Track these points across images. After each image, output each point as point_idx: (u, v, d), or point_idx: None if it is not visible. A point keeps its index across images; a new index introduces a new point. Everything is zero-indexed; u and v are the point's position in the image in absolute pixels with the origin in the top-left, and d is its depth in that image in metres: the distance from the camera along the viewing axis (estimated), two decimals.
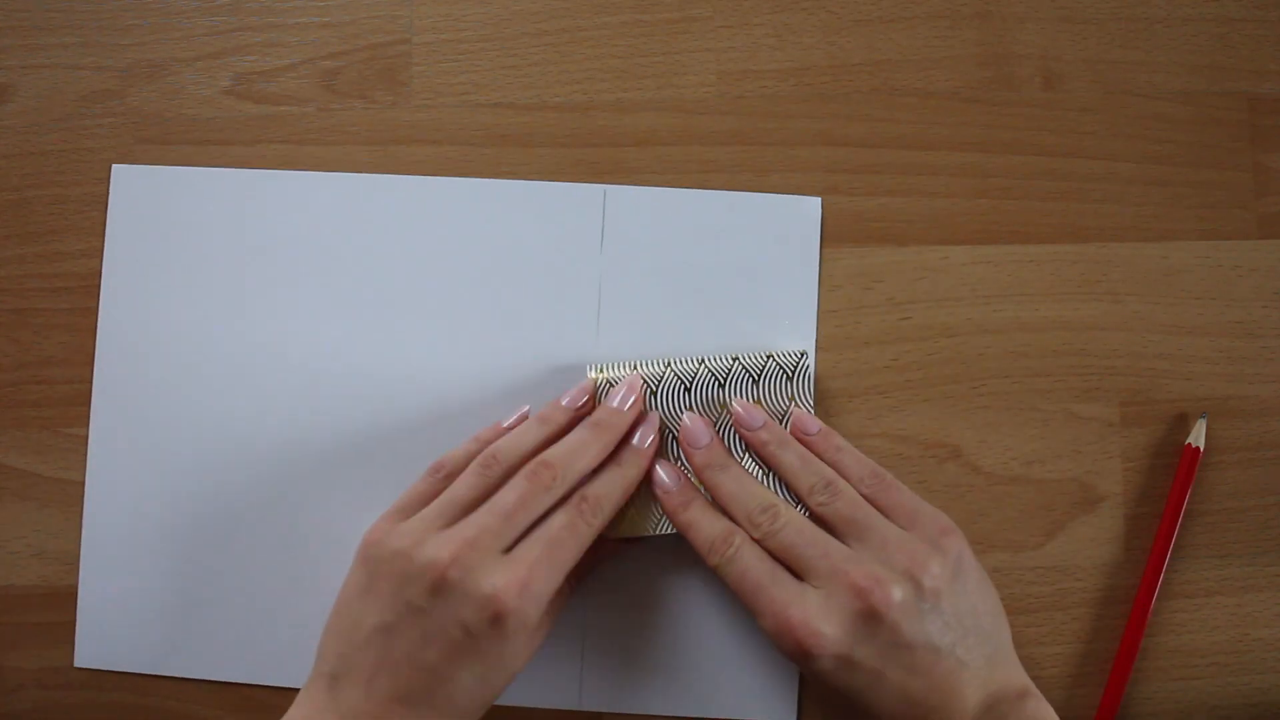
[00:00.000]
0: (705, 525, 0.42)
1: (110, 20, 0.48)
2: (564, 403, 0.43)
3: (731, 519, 0.42)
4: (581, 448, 0.41)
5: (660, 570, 0.46)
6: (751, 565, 0.41)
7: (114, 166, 0.47)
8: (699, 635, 0.45)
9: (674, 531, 0.44)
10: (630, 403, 0.43)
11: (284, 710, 0.38)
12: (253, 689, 0.46)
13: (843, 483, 0.42)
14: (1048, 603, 0.46)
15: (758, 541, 0.41)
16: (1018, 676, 0.40)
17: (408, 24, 0.48)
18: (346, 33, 0.48)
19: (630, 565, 0.46)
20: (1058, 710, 0.46)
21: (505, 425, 0.44)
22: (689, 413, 0.44)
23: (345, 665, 0.38)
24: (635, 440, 0.43)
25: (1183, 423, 0.47)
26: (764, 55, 0.48)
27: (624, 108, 0.47)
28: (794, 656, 0.39)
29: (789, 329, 0.46)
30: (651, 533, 0.44)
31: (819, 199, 0.47)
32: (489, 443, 0.42)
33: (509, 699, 0.45)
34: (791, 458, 0.43)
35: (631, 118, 0.47)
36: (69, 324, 0.47)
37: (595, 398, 0.44)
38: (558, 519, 0.40)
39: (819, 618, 0.39)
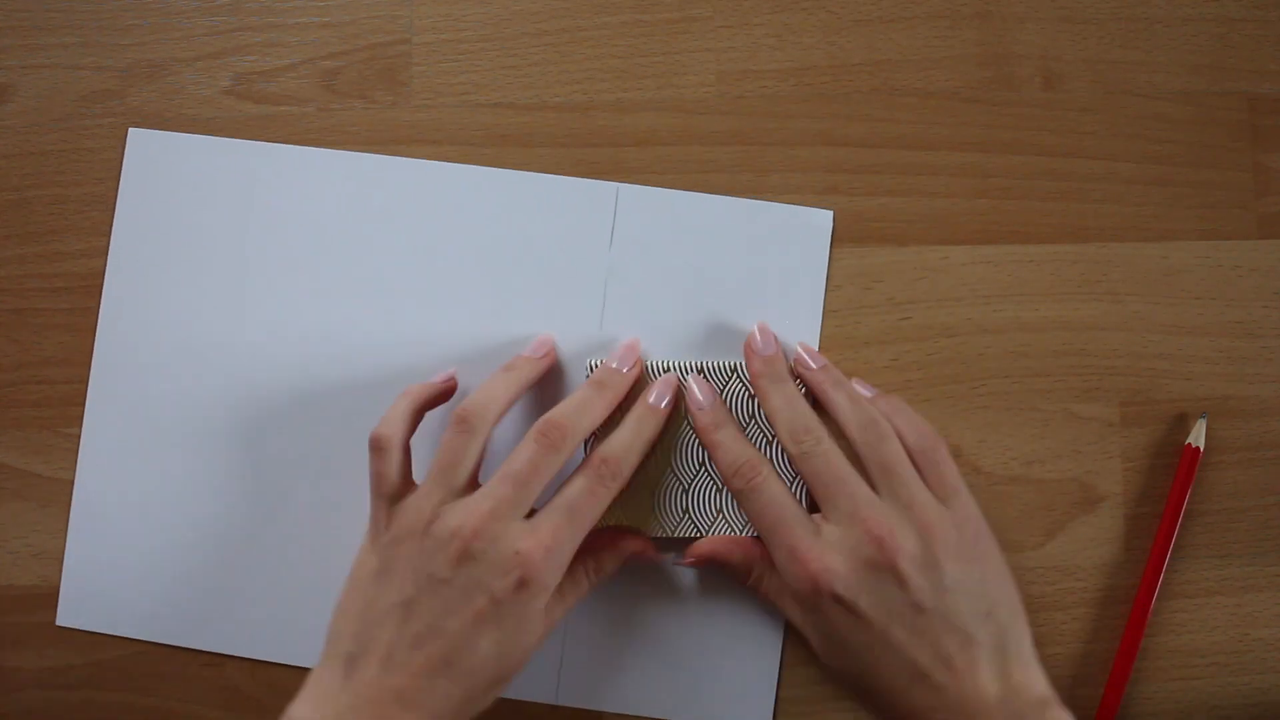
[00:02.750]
0: (734, 448, 0.42)
1: (110, 20, 0.48)
2: (526, 352, 0.44)
3: (774, 431, 0.43)
4: (586, 405, 0.42)
5: (643, 571, 0.46)
6: (776, 497, 0.41)
7: (130, 130, 0.47)
8: (679, 637, 0.45)
9: (694, 535, 0.44)
10: (630, 364, 0.44)
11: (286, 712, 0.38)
12: (253, 689, 0.46)
13: (893, 434, 0.41)
14: (1048, 603, 0.46)
15: (792, 459, 0.41)
16: (1038, 682, 0.39)
17: (408, 24, 0.48)
18: (346, 33, 0.48)
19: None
20: None
21: (437, 381, 0.44)
22: (761, 322, 0.45)
23: (360, 644, 0.38)
24: (652, 400, 0.43)
25: (1183, 423, 0.47)
26: (764, 55, 0.48)
27: (624, 108, 0.47)
28: (804, 590, 0.39)
29: (792, 339, 0.46)
30: (670, 534, 0.44)
31: (831, 212, 0.47)
32: (418, 397, 0.42)
33: None
34: (843, 398, 0.43)
35: (631, 118, 0.47)
36: (69, 324, 0.47)
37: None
38: (577, 484, 0.40)
39: (832, 553, 0.39)
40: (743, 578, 0.44)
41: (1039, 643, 0.46)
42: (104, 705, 0.46)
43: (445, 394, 0.44)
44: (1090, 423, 0.47)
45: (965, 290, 0.47)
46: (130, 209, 0.47)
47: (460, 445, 0.40)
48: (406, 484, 0.41)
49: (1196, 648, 0.46)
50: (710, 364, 0.45)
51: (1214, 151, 0.48)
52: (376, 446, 0.41)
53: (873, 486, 0.41)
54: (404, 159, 0.47)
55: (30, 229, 0.47)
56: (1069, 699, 0.46)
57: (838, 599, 0.39)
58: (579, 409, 0.42)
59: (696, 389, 0.44)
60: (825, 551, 0.39)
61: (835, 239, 0.47)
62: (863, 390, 0.44)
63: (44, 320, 0.47)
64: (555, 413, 0.41)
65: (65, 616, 0.46)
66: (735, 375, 0.45)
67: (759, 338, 0.44)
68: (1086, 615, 0.46)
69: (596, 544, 0.43)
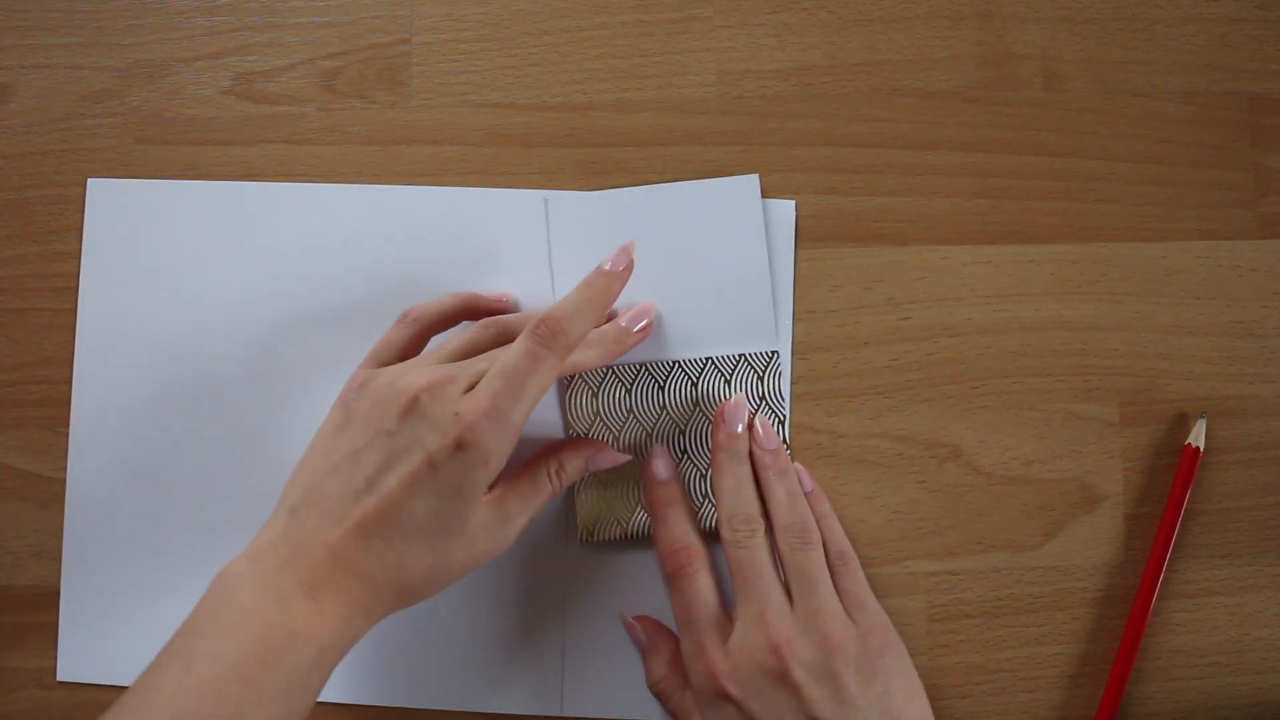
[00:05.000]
0: (679, 529, 0.43)
1: (110, 20, 0.48)
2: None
3: (716, 508, 0.43)
4: (579, 311, 0.40)
5: (639, 577, 0.45)
6: (701, 593, 0.41)
7: (89, 181, 0.47)
8: None
9: (645, 532, 0.44)
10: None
11: None
12: None
13: (819, 542, 0.42)
14: (1048, 603, 0.46)
15: (723, 543, 0.42)
16: None
17: (408, 24, 0.48)
18: (346, 33, 0.48)
19: (609, 571, 0.45)
20: (1057, 710, 0.46)
21: (490, 295, 0.45)
22: (738, 395, 0.45)
23: (307, 496, 0.38)
24: (624, 322, 0.43)
25: (1183, 423, 0.47)
26: (764, 55, 0.48)
27: (624, 108, 0.47)
28: (703, 687, 0.40)
29: (747, 307, 0.46)
30: (624, 528, 0.44)
31: (756, 176, 0.46)
32: (466, 301, 0.44)
33: (491, 705, 0.45)
34: (782, 492, 0.43)
35: (631, 118, 0.47)
36: (69, 324, 0.47)
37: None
38: (515, 346, 0.39)
39: (735, 655, 0.40)
40: (654, 672, 0.43)
41: (1039, 642, 0.46)
42: (104, 705, 0.46)
43: (496, 309, 0.44)
44: (1090, 423, 0.47)
45: (965, 290, 0.47)
46: (95, 256, 0.47)
47: (471, 341, 0.41)
48: (402, 360, 0.42)
49: (1196, 648, 0.46)
50: (685, 360, 0.45)
51: (1214, 151, 0.48)
52: (405, 317, 0.42)
53: (786, 585, 0.41)
54: (340, 185, 0.47)
55: (30, 229, 0.47)
56: (1069, 699, 0.46)
57: (729, 698, 0.39)
58: (574, 311, 0.40)
59: (658, 462, 0.44)
60: (730, 655, 0.40)
61: (835, 239, 0.47)
62: (803, 481, 0.44)
63: (44, 320, 0.47)
64: (552, 311, 0.39)
65: (65, 671, 0.46)
66: (710, 362, 0.45)
67: (731, 411, 0.44)
68: (1086, 615, 0.46)
69: (560, 446, 0.43)
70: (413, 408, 0.37)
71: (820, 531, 0.43)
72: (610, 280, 0.42)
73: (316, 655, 0.35)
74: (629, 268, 0.43)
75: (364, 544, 0.36)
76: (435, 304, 0.43)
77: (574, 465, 0.42)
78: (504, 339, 0.41)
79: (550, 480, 0.41)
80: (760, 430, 0.44)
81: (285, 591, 0.36)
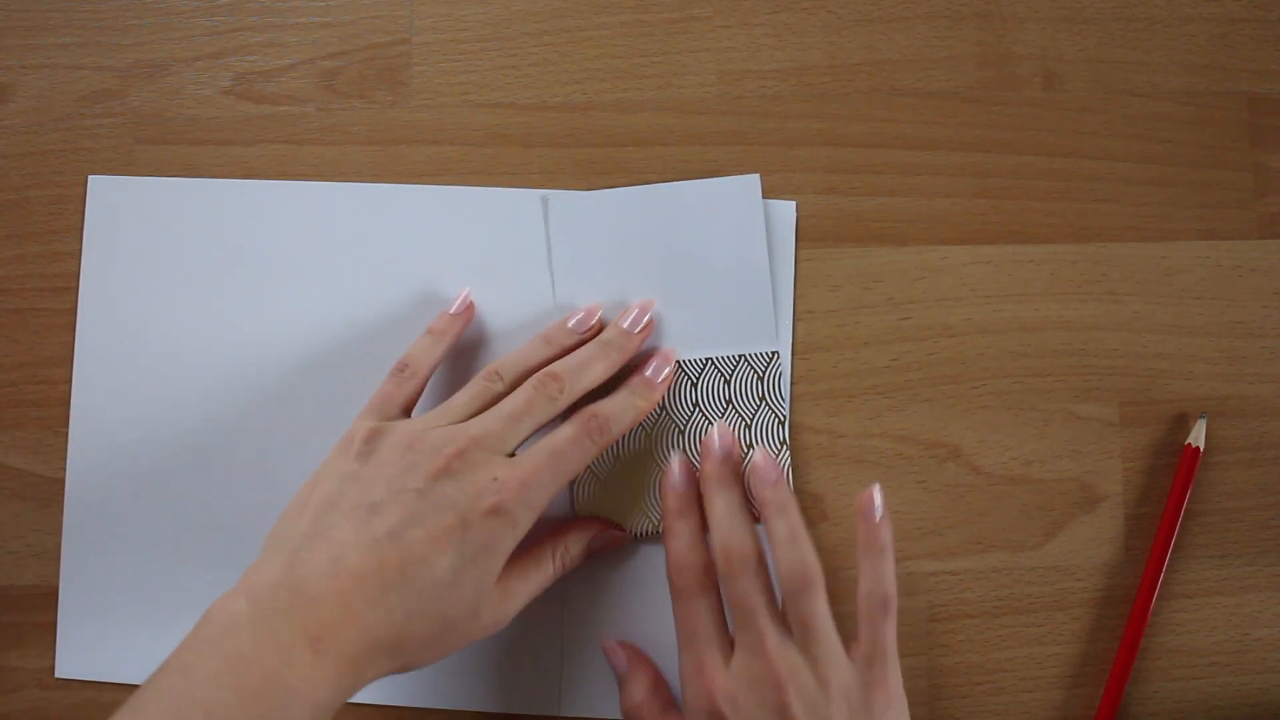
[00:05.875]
0: (686, 544, 0.41)
1: (110, 20, 0.48)
2: (570, 325, 0.44)
3: (710, 535, 0.42)
4: (588, 363, 0.42)
5: (640, 576, 0.45)
6: (704, 611, 0.40)
7: (90, 178, 0.47)
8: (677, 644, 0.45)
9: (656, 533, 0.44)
10: (641, 325, 0.43)
11: None
12: None
13: (818, 584, 0.39)
14: (1048, 603, 0.46)
15: (719, 575, 0.41)
16: None
17: (408, 24, 0.48)
18: (346, 33, 0.48)
19: (609, 570, 0.45)
20: (1057, 710, 0.46)
21: (451, 312, 0.44)
22: (720, 423, 0.44)
23: (311, 542, 0.36)
24: (649, 373, 0.43)
25: (1183, 423, 0.47)
26: (764, 55, 0.48)
27: (624, 108, 0.47)
28: (699, 706, 0.39)
29: (748, 306, 0.46)
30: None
31: (757, 176, 0.46)
32: (443, 333, 0.44)
33: (490, 705, 0.45)
34: (783, 530, 0.40)
35: (631, 118, 0.47)
36: (69, 324, 0.47)
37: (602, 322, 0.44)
38: (564, 430, 0.40)
39: (735, 680, 0.39)
40: (633, 696, 0.43)
41: (1039, 642, 0.46)
42: (104, 705, 0.46)
43: (463, 324, 0.45)
44: (1090, 423, 0.47)
45: (965, 290, 0.47)
46: (96, 255, 0.47)
47: (480, 396, 0.41)
48: (405, 414, 0.42)
49: (1196, 648, 0.46)
50: (685, 360, 0.45)
51: (1214, 151, 0.48)
52: (402, 370, 0.42)
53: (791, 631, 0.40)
54: (341, 184, 0.47)
55: (30, 229, 0.47)
56: (1069, 699, 0.46)
57: (724, 719, 0.38)
58: (581, 365, 0.42)
59: (675, 469, 0.43)
60: (729, 677, 0.39)
61: (835, 239, 0.47)
62: (877, 500, 0.41)
63: (44, 320, 0.47)
64: (556, 365, 0.41)
65: (64, 668, 0.46)
66: (710, 363, 0.45)
67: (715, 438, 0.43)
68: (1086, 615, 0.46)
69: (565, 529, 0.43)
70: (447, 470, 0.37)
71: (871, 569, 0.40)
72: (634, 342, 0.44)
73: (311, 716, 0.34)
74: (649, 326, 0.44)
75: (378, 594, 0.35)
76: (428, 355, 0.43)
77: (577, 547, 0.43)
78: (509, 392, 0.41)
79: (554, 562, 0.41)
80: (760, 464, 0.42)
81: (286, 642, 0.34)
